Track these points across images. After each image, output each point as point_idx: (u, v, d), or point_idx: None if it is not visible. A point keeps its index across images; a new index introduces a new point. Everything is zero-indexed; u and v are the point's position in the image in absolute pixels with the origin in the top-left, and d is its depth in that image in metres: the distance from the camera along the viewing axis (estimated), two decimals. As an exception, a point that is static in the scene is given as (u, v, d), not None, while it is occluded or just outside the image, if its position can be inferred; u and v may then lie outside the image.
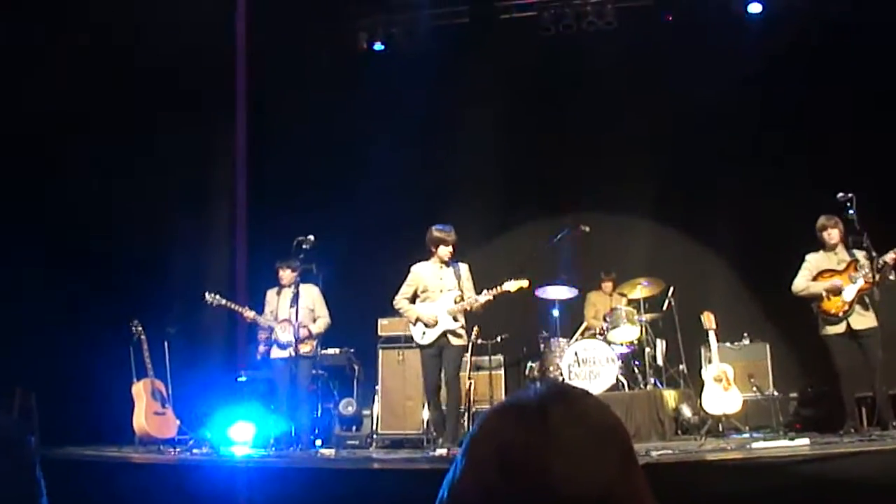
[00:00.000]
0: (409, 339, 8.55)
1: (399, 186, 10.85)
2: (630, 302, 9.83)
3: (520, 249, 10.18)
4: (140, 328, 8.77)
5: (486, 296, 7.46)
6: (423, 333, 7.60)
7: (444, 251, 7.57)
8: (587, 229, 9.41)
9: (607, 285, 10.21)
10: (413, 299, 7.70)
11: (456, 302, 7.56)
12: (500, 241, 11.11)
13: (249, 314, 8.38)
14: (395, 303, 7.71)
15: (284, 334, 8.24)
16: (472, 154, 10.90)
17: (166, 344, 9.09)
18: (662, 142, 10.49)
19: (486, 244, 10.79)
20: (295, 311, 7.94)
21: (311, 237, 7.91)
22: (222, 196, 10.23)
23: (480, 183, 10.79)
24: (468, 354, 8.45)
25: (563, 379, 8.96)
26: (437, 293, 7.59)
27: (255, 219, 9.53)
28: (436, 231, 7.58)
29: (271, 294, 8.53)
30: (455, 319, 7.58)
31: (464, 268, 7.69)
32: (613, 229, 10.59)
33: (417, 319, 7.61)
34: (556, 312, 9.67)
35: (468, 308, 7.54)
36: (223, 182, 10.11)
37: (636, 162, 10.46)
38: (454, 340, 7.56)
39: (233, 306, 8.37)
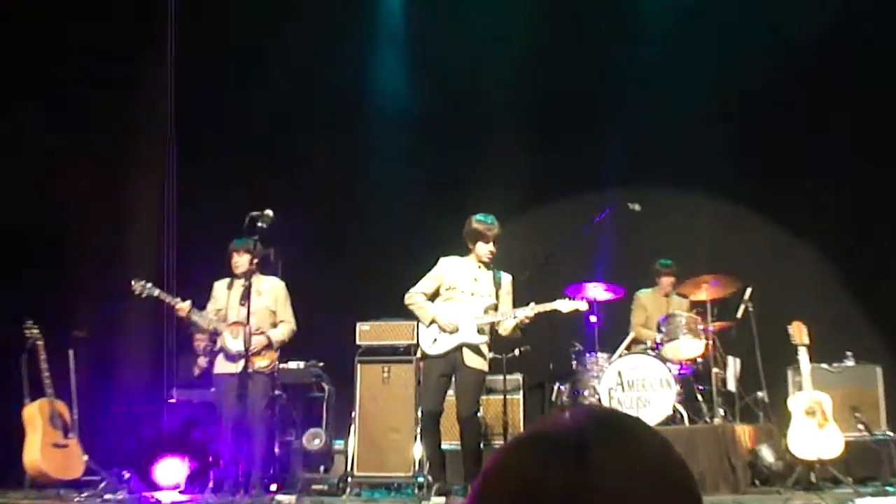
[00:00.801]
0: (397, 350, 9.03)
1: (386, 147, 11.31)
2: (693, 306, 9.82)
3: (546, 235, 10.52)
4: (35, 331, 8.75)
5: (527, 311, 7.64)
6: (435, 340, 7.76)
7: (484, 250, 7.82)
8: (637, 208, 9.29)
9: (665, 282, 10.20)
10: (432, 297, 7.92)
11: (487, 312, 7.75)
12: (520, 224, 11.03)
13: (187, 311, 8.34)
14: (408, 296, 7.90)
15: (235, 342, 8.28)
16: (484, 105, 11.25)
17: (71, 353, 9.13)
18: (734, 97, 10.82)
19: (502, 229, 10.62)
20: (247, 311, 7.96)
21: (269, 212, 7.92)
22: (146, 161, 10.70)
23: (494, 145, 11.11)
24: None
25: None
26: (465, 295, 7.82)
27: (190, 191, 10.05)
28: (475, 222, 7.82)
29: (220, 287, 8.60)
30: (480, 333, 7.75)
31: (506, 278, 7.97)
32: (672, 210, 10.79)
33: (433, 321, 7.78)
34: (593, 318, 9.67)
35: (500, 324, 7.81)
36: (147, 143, 10.62)
37: (702, 122, 10.73)
38: (472, 361, 7.72)
39: (168, 300, 8.39)
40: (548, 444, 1.20)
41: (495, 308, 7.79)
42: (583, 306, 7.88)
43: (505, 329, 7.79)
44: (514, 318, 7.68)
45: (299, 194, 10.56)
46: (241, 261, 8.38)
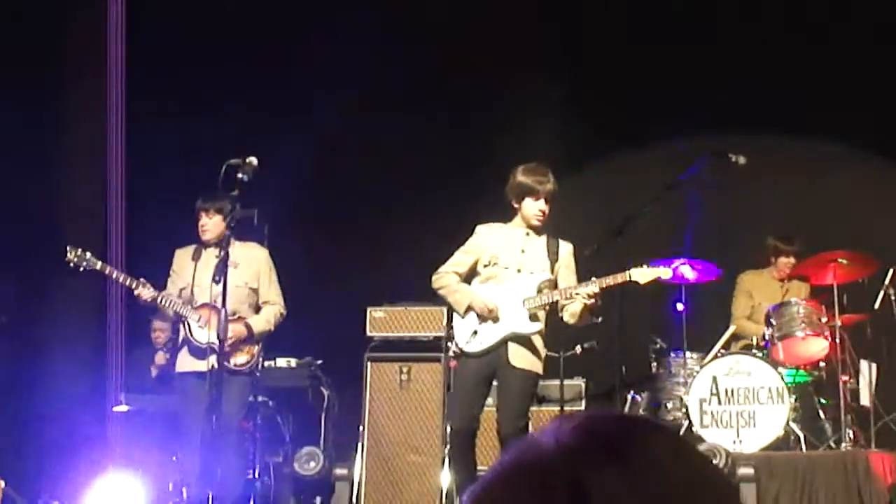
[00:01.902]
0: (420, 344, 9.25)
1: (402, 83, 11.36)
2: (815, 293, 9.86)
3: (618, 198, 10.64)
4: None
5: (592, 286, 7.64)
6: (474, 333, 7.74)
7: (533, 209, 7.77)
8: (742, 161, 9.30)
9: (784, 264, 10.27)
10: (469, 278, 7.93)
11: (542, 291, 7.72)
12: (582, 184, 11.21)
13: (146, 292, 8.37)
14: (436, 277, 7.94)
15: (204, 331, 8.31)
16: (523, 28, 11.24)
17: None
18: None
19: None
20: (222, 291, 7.93)
21: (253, 160, 7.91)
22: (82, 95, 10.83)
23: (544, 76, 11.16)
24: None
25: (691, 424, 9.06)
26: (511, 273, 7.81)
27: (141, 132, 10.21)
28: (522, 173, 7.80)
29: (183, 258, 8.64)
30: (533, 319, 7.70)
31: (565, 247, 7.99)
32: (789, 166, 10.90)
33: (469, 308, 7.76)
34: (680, 307, 9.70)
35: (560, 304, 7.80)
36: (82, 70, 10.78)
37: (835, 45, 10.67)
38: (521, 359, 7.68)
39: (116, 274, 8.47)
40: (531, 482, 1.24)
41: (552, 286, 7.80)
42: (666, 273, 7.87)
43: (572, 314, 7.75)
44: (578, 294, 7.67)
45: (291, 137, 10.61)
46: (211, 223, 8.39)
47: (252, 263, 8.59)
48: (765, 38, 11.16)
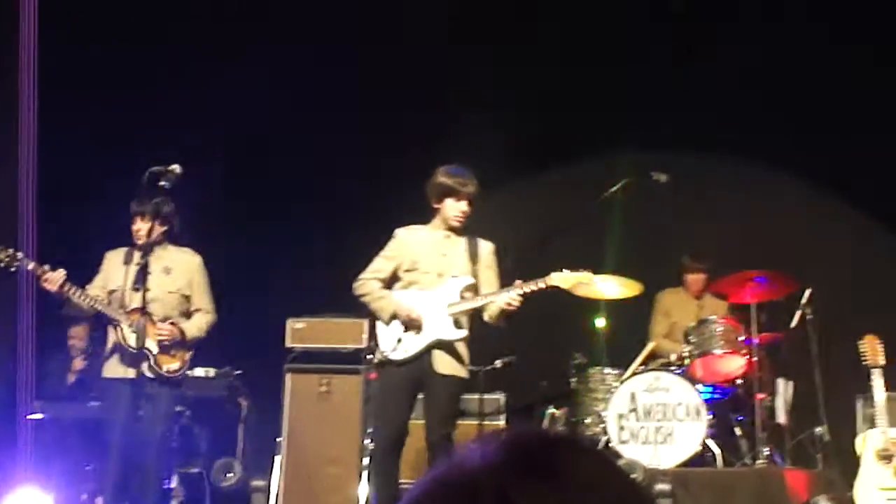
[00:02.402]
0: (340, 355, 9.13)
1: (330, 79, 11.32)
2: (733, 310, 9.98)
3: (541, 212, 10.76)
4: None
5: (515, 291, 7.60)
6: (399, 341, 7.73)
7: (454, 210, 7.77)
8: (664, 179, 9.50)
9: (695, 279, 10.40)
10: (390, 283, 7.89)
11: (463, 296, 7.70)
12: (507, 197, 11.25)
13: (60, 283, 8.04)
14: (357, 284, 7.91)
15: (137, 335, 8.10)
16: (461, 38, 11.31)
17: None
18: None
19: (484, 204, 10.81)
20: (142, 295, 7.92)
21: (176, 167, 7.84)
22: None
23: (475, 92, 11.13)
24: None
25: (609, 440, 9.16)
26: (433, 277, 7.81)
27: (56, 128, 9.75)
28: (442, 175, 7.81)
29: (114, 260, 8.39)
30: (458, 326, 7.71)
31: (486, 247, 7.97)
32: (708, 183, 10.97)
33: (393, 316, 7.74)
34: (600, 323, 9.88)
35: (482, 309, 7.78)
36: None
37: (752, 63, 10.88)
38: (446, 366, 7.68)
39: (39, 270, 8.08)
40: (459, 499, 1.23)
41: (475, 289, 7.76)
42: (587, 277, 7.85)
43: (490, 315, 7.72)
44: (499, 299, 7.64)
45: (210, 139, 10.64)
46: (144, 228, 8.21)
47: (185, 270, 8.48)
48: (686, 58, 11.25)
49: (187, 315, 8.49)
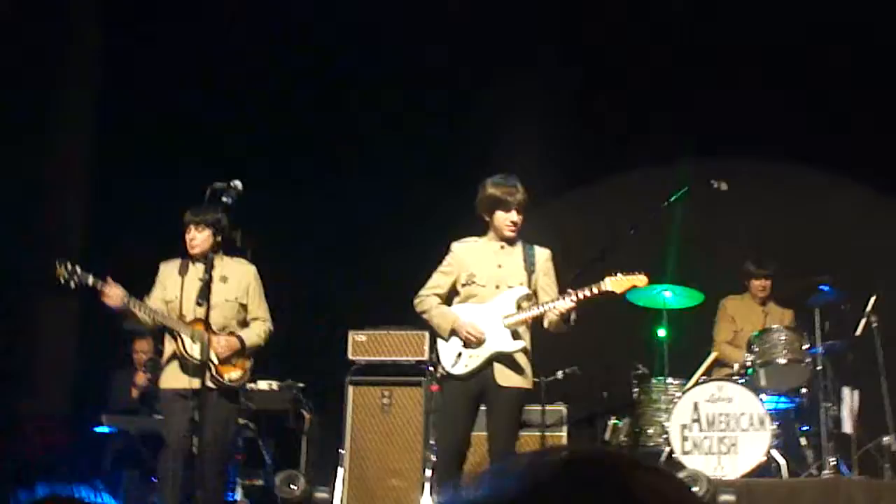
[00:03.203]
0: (402, 368, 9.21)
1: (385, 98, 11.36)
2: (798, 318, 9.94)
3: (600, 223, 10.71)
4: None
5: (567, 301, 7.54)
6: (458, 356, 7.67)
7: (505, 221, 7.71)
8: (724, 187, 9.35)
9: (760, 286, 10.27)
10: (449, 298, 7.86)
11: (521, 306, 7.63)
12: (565, 209, 11.40)
13: (122, 299, 7.98)
14: (417, 300, 7.90)
15: (199, 346, 8.00)
16: (511, 47, 11.31)
17: None
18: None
19: (537, 213, 10.34)
20: (206, 306, 7.75)
21: (238, 183, 7.79)
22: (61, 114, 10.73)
23: (528, 100, 11.12)
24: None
25: (672, 451, 9.07)
26: (490, 289, 7.75)
27: (118, 155, 10.00)
28: (491, 186, 7.74)
29: (169, 272, 8.32)
30: (516, 337, 7.61)
31: (542, 254, 7.91)
32: (771, 191, 10.91)
33: (452, 332, 7.69)
34: (661, 332, 9.80)
35: (542, 318, 7.70)
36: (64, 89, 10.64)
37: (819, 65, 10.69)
38: (508, 378, 7.59)
39: (99, 286, 8.00)
40: None
41: (531, 299, 7.70)
42: (640, 280, 7.73)
43: (550, 322, 7.65)
44: (557, 307, 7.57)
45: (276, 159, 10.69)
46: (200, 237, 8.15)
47: (241, 279, 8.40)
48: (747, 64, 11.18)
49: (244, 324, 8.44)
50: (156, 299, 8.26)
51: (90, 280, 8.03)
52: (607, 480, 1.25)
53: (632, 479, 1.25)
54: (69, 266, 8.08)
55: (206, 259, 7.99)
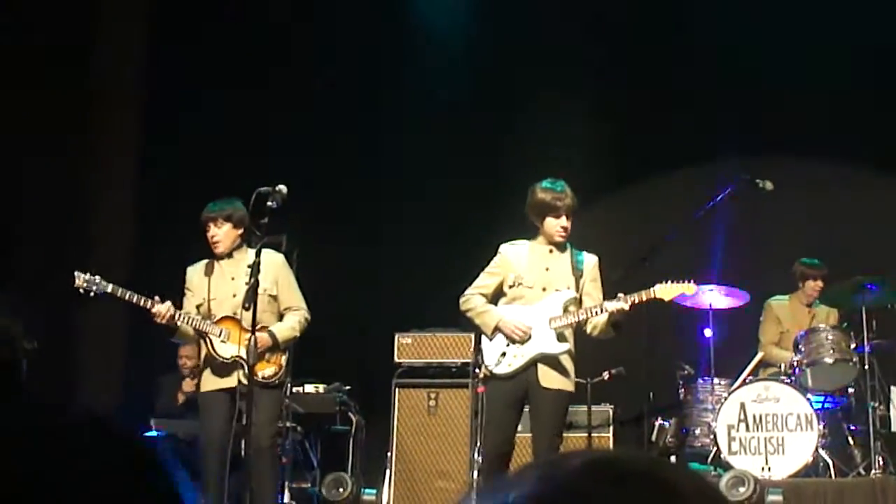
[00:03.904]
0: (448, 370, 9.22)
1: (430, 103, 11.33)
2: (844, 318, 9.88)
3: (645, 224, 10.72)
4: None
5: (618, 303, 7.56)
6: (503, 355, 7.69)
7: (555, 226, 7.73)
8: (770, 186, 9.33)
9: (812, 287, 10.23)
10: (494, 300, 7.85)
11: (568, 310, 7.65)
12: (610, 209, 11.35)
13: (168, 315, 7.94)
14: (463, 300, 7.92)
15: (227, 346, 8.05)
16: (555, 52, 11.32)
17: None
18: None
19: (582, 213, 10.44)
20: (252, 300, 7.55)
21: (283, 188, 7.77)
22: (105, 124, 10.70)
23: (570, 104, 11.12)
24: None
25: (719, 451, 9.03)
26: (536, 291, 7.77)
27: (162, 165, 10.21)
28: (540, 191, 7.76)
29: (196, 274, 8.27)
30: (561, 339, 7.63)
31: (590, 260, 7.95)
32: (818, 189, 10.86)
33: (496, 329, 7.69)
34: (708, 332, 9.75)
35: (585, 323, 7.75)
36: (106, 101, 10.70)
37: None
38: (551, 380, 7.62)
39: (128, 296, 8.02)
40: None
41: (578, 303, 7.72)
42: (690, 289, 7.85)
43: (595, 326, 7.71)
44: (605, 311, 7.61)
45: (320, 161, 10.71)
46: (221, 232, 8.14)
47: (269, 269, 8.15)
48: (791, 62, 11.15)
49: (279, 316, 8.32)
50: (188, 306, 8.21)
51: (109, 288, 8.01)
52: (628, 479, 1.24)
53: (653, 476, 1.25)
54: (88, 276, 8.05)
55: (230, 253, 8.02)
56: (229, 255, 8.13)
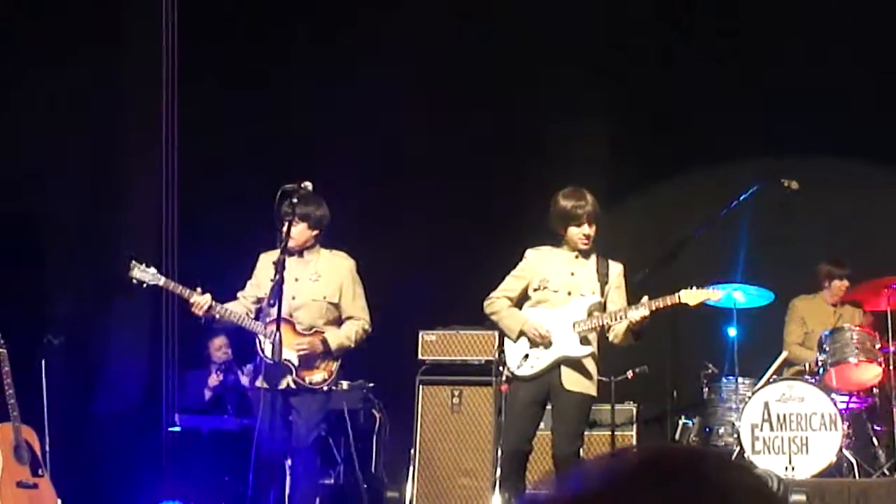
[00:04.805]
0: (472, 367, 9.26)
1: (460, 99, 11.27)
2: (869, 319, 9.90)
3: (670, 224, 10.69)
4: None
5: (643, 309, 7.58)
6: (525, 357, 7.72)
7: (578, 235, 7.76)
8: (795, 186, 9.35)
9: (838, 288, 10.22)
10: (520, 302, 7.89)
11: (592, 314, 7.70)
12: (634, 209, 11.30)
13: (207, 306, 7.89)
14: (488, 302, 7.96)
15: (275, 347, 7.78)
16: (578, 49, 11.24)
17: (43, 364, 9.15)
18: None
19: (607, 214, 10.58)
20: (278, 300, 7.56)
21: (308, 184, 7.80)
22: (137, 117, 10.72)
23: (595, 103, 11.17)
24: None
25: (742, 450, 8.98)
26: (561, 296, 7.81)
27: (196, 158, 10.00)
28: (562, 199, 7.78)
29: (265, 264, 8.11)
30: (584, 343, 7.69)
31: (615, 268, 7.95)
32: (843, 189, 10.79)
33: (520, 333, 7.73)
34: (732, 332, 9.65)
35: (608, 330, 7.79)
36: (139, 92, 10.63)
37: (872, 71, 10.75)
38: (574, 382, 7.66)
39: (179, 290, 8.03)
40: None
41: (602, 308, 7.74)
42: (715, 295, 7.87)
43: (616, 335, 7.73)
44: (628, 316, 7.61)
45: (347, 157, 10.68)
46: (295, 231, 7.93)
47: (335, 276, 8.20)
48: (815, 59, 11.11)
49: (338, 323, 8.23)
50: (248, 295, 8.12)
51: (161, 282, 8.02)
52: (684, 474, 1.25)
53: (707, 471, 1.26)
54: (143, 266, 8.06)
55: (278, 261, 7.72)
56: (300, 253, 8.04)
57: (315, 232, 8.02)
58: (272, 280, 7.72)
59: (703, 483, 1.25)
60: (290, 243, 7.91)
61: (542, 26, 11.47)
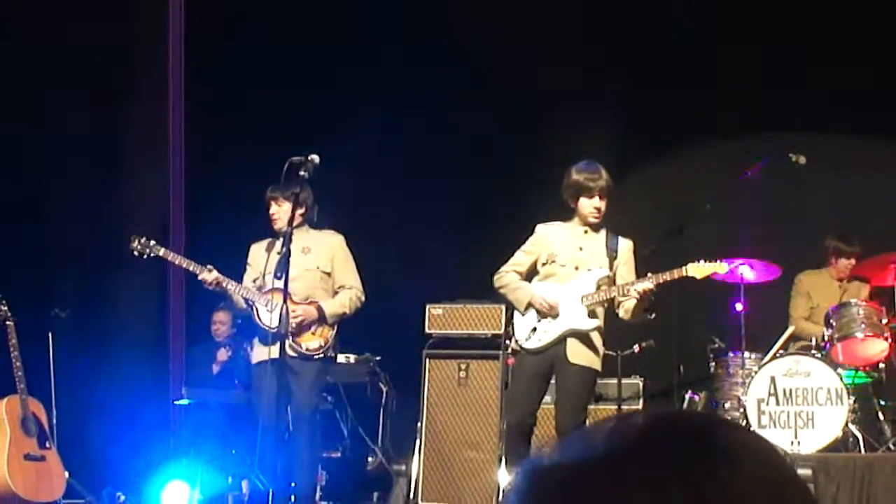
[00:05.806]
0: (479, 341, 9.21)
1: (464, 84, 11.35)
2: (875, 294, 9.80)
3: (677, 197, 10.67)
4: (4, 308, 8.73)
5: (648, 282, 7.63)
6: (533, 330, 7.76)
7: (588, 207, 7.81)
8: (803, 160, 9.35)
9: (844, 264, 10.14)
10: (529, 276, 7.93)
11: (600, 287, 7.72)
12: (641, 183, 11.23)
13: (209, 275, 8.25)
14: (497, 276, 8.01)
15: (273, 314, 8.07)
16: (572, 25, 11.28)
17: (50, 337, 9.26)
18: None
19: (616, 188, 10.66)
20: (284, 272, 7.67)
21: (315, 157, 7.85)
22: (143, 91, 10.83)
23: (603, 76, 11.14)
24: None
25: (749, 425, 8.93)
26: (569, 270, 7.84)
27: (202, 129, 10.15)
28: (574, 172, 7.83)
29: (258, 250, 8.59)
30: (591, 316, 7.72)
31: (624, 244, 8.00)
32: (850, 164, 10.74)
33: (528, 305, 7.77)
34: (739, 307, 9.53)
35: (616, 300, 7.79)
36: (144, 66, 10.78)
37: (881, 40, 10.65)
38: (579, 356, 7.69)
39: (179, 260, 8.44)
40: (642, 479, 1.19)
41: (611, 282, 7.77)
42: (722, 268, 7.85)
43: (626, 310, 7.73)
44: (634, 289, 7.63)
45: (348, 131, 10.65)
46: (282, 211, 8.28)
47: (326, 249, 8.52)
48: (822, 35, 11.01)
49: (332, 293, 8.49)
50: (247, 280, 8.42)
51: (161, 252, 8.30)
52: (694, 437, 1.24)
53: (715, 434, 1.25)
54: (143, 239, 8.33)
55: (285, 233, 7.92)
56: (290, 233, 8.02)
57: (301, 210, 8.16)
58: (279, 253, 7.78)
59: (711, 446, 1.23)
60: (279, 224, 8.28)
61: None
